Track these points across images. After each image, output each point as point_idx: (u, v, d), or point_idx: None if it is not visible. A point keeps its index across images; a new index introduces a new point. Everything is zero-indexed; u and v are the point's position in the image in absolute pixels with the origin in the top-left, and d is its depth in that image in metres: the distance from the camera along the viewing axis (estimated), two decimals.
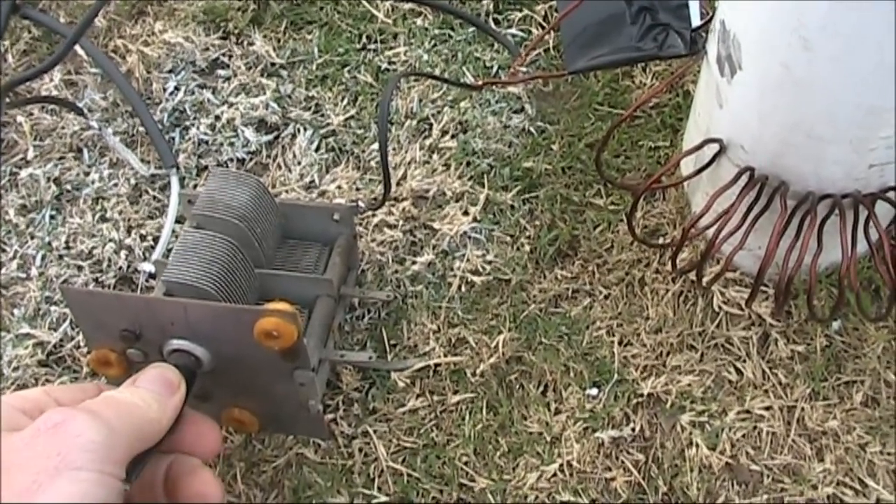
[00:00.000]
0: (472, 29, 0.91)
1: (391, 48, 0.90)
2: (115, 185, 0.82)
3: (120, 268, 0.78)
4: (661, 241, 0.77)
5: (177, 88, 0.88)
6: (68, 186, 0.83)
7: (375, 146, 0.83)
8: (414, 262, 0.77)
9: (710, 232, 0.68)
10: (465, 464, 0.68)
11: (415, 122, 0.85)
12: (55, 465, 0.44)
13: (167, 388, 0.53)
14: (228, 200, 0.66)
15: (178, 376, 0.55)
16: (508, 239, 0.78)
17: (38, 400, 0.51)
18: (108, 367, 0.60)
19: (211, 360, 0.58)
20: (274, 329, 0.55)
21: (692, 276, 0.74)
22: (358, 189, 0.81)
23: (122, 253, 0.78)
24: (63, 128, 0.86)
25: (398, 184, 0.81)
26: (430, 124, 0.85)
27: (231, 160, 0.84)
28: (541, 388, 0.71)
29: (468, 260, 0.77)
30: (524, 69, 0.87)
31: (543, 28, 0.90)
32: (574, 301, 0.75)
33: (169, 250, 0.74)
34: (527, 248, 0.78)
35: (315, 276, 0.69)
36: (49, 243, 0.79)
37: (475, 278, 0.76)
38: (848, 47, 0.56)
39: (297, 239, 0.72)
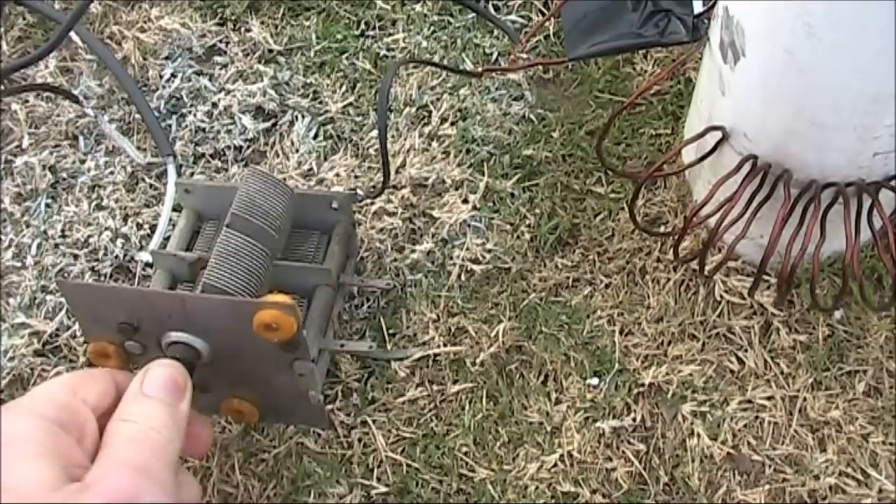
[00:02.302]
0: (471, 15, 0.90)
1: (390, 34, 0.89)
2: (112, 173, 0.82)
3: (116, 256, 0.77)
4: (662, 229, 0.77)
5: (173, 75, 0.87)
6: (64, 174, 0.82)
7: (374, 133, 0.83)
8: (413, 251, 0.76)
9: (713, 220, 0.68)
10: (465, 454, 0.68)
11: (414, 110, 0.84)
12: None
13: (177, 394, 0.53)
14: (267, 208, 0.65)
15: (185, 376, 0.55)
16: (508, 227, 0.78)
17: (70, 407, 0.51)
18: (107, 359, 0.60)
19: (210, 352, 0.57)
20: (273, 321, 0.55)
21: (694, 264, 0.73)
22: (357, 177, 0.80)
23: (119, 242, 0.78)
24: (58, 115, 0.85)
25: (397, 171, 0.80)
26: (430, 111, 0.84)
27: (228, 147, 0.83)
28: (541, 378, 0.71)
29: (468, 248, 0.76)
30: (524, 56, 0.86)
31: (544, 14, 0.89)
32: (574, 290, 0.75)
33: (166, 239, 0.74)
34: (527, 236, 0.77)
35: (314, 266, 0.68)
36: (45, 232, 0.79)
37: (475, 267, 0.76)
38: (852, 34, 0.56)
39: (296, 227, 0.71)
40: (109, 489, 0.46)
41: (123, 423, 0.51)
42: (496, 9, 0.91)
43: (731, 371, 0.71)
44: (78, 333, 0.73)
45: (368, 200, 0.77)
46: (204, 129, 0.84)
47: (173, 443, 0.51)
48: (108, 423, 0.51)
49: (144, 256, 0.76)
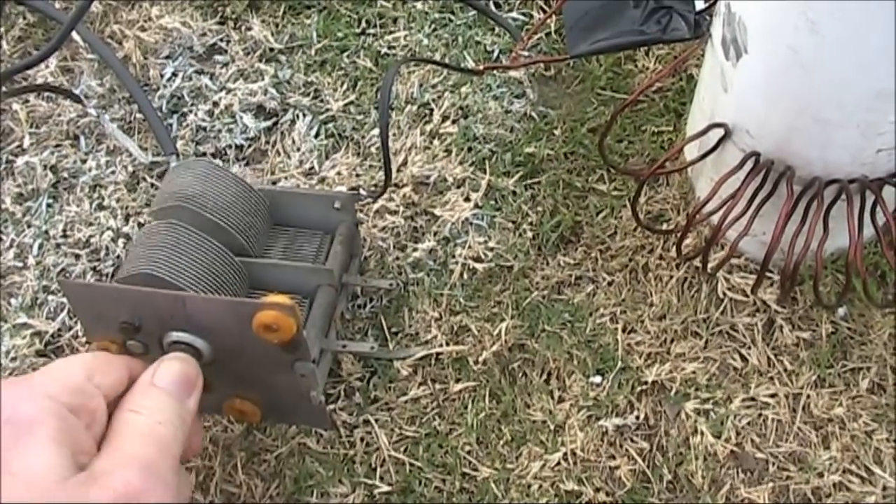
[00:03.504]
0: (472, 12, 0.90)
1: (391, 32, 0.89)
2: (113, 172, 0.81)
3: (118, 256, 0.77)
4: (664, 226, 0.77)
5: (174, 74, 0.87)
6: (65, 174, 0.82)
7: (375, 132, 0.83)
8: (415, 249, 0.76)
9: (715, 218, 0.68)
10: (468, 453, 0.68)
11: (415, 108, 0.84)
12: None
13: (186, 390, 0.54)
14: (173, 188, 0.65)
15: (198, 371, 0.55)
16: (510, 225, 0.78)
17: (83, 391, 0.51)
18: None
19: (211, 352, 0.57)
20: (273, 322, 0.54)
21: (697, 262, 0.73)
22: (358, 175, 0.80)
23: (120, 241, 0.78)
24: (59, 115, 0.85)
25: (399, 170, 0.80)
26: (431, 109, 0.84)
27: (229, 146, 0.83)
28: (544, 376, 0.71)
29: (470, 247, 0.76)
30: (525, 53, 0.86)
31: (545, 11, 0.89)
32: (577, 288, 0.75)
33: None
34: (529, 234, 0.77)
35: (316, 266, 0.68)
36: (46, 232, 0.79)
37: (477, 265, 0.75)
38: (856, 30, 0.55)
39: (298, 227, 0.71)
40: (115, 485, 0.46)
41: (132, 413, 0.51)
42: (497, 6, 0.90)
43: (735, 368, 0.71)
44: (80, 334, 0.73)
45: (370, 199, 0.76)
46: (205, 129, 0.84)
47: (178, 439, 0.51)
48: (116, 411, 0.51)
49: None
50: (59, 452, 0.46)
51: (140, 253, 0.62)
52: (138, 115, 0.84)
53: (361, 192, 0.73)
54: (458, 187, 0.79)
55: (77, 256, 0.77)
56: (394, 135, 0.82)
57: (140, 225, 0.78)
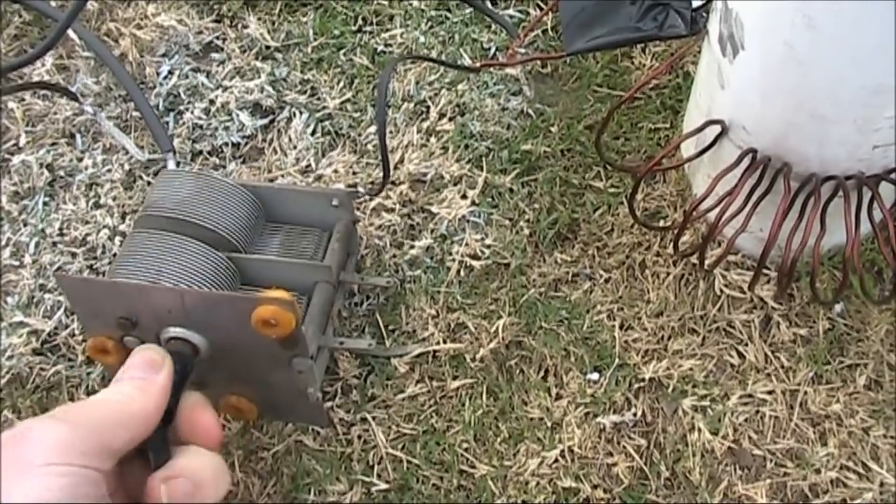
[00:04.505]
0: (468, 10, 0.90)
1: (387, 30, 0.89)
2: (109, 170, 0.81)
3: (114, 254, 0.77)
4: (661, 223, 0.77)
5: (170, 72, 0.87)
6: (61, 172, 0.82)
7: (372, 129, 0.82)
8: (412, 247, 0.76)
9: (712, 214, 0.68)
10: (466, 450, 0.68)
11: (412, 105, 0.84)
12: (21, 468, 0.44)
13: (151, 370, 0.52)
14: (146, 201, 0.67)
15: (162, 353, 0.53)
16: (507, 222, 0.78)
17: None
18: (106, 354, 0.60)
19: (208, 348, 0.57)
20: (272, 317, 0.54)
21: (694, 259, 0.73)
22: (355, 173, 0.80)
23: (117, 239, 0.77)
24: (55, 113, 0.85)
25: (395, 167, 0.80)
26: (428, 107, 0.84)
27: (226, 144, 0.83)
28: (541, 373, 0.71)
29: (467, 244, 0.76)
30: (522, 51, 0.86)
31: (541, 8, 0.89)
32: (574, 285, 0.75)
33: None
34: (526, 231, 0.77)
35: (314, 263, 0.68)
36: (42, 230, 0.78)
37: (474, 262, 0.75)
38: (852, 26, 0.55)
39: (296, 224, 0.71)
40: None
41: None
42: (494, 3, 0.90)
43: (732, 365, 0.71)
44: (77, 332, 0.73)
45: (367, 197, 0.76)
46: (201, 126, 0.84)
47: (133, 415, 0.49)
48: None
49: None
50: None
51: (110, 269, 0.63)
52: (135, 113, 0.84)
53: (360, 189, 0.72)
54: (455, 185, 0.79)
55: (73, 255, 0.77)
56: (391, 132, 0.82)
57: None
